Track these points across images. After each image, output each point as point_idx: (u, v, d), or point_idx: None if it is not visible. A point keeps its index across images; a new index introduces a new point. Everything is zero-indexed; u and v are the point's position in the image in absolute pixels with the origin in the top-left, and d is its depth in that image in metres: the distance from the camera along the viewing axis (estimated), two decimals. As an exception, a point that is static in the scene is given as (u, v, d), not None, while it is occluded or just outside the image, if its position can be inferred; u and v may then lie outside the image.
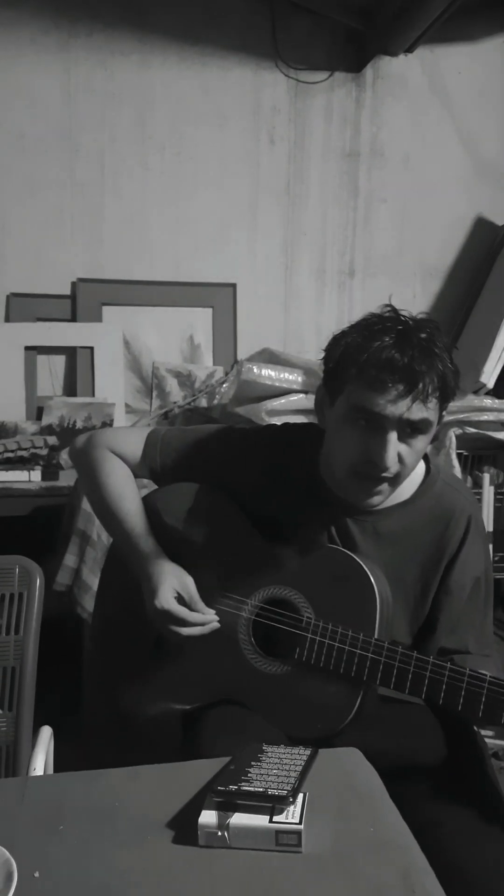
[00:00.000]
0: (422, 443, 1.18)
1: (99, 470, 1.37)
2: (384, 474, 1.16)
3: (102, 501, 1.37)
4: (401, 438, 1.15)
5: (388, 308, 1.19)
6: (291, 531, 1.29)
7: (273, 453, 1.33)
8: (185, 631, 1.24)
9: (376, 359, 1.11)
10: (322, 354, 1.23)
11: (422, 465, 1.29)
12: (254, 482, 1.32)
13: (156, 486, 1.43)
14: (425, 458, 1.30)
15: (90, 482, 1.39)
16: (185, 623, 1.23)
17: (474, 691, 1.06)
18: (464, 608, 1.27)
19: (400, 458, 1.16)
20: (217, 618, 1.26)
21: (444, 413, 1.21)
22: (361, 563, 1.19)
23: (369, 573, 1.17)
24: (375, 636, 1.15)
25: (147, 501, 1.38)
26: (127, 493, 1.36)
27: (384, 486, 1.19)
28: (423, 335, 1.14)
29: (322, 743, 1.05)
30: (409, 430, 1.15)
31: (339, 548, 1.24)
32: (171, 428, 1.44)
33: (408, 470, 1.19)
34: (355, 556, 1.20)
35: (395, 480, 1.19)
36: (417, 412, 1.13)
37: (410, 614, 1.27)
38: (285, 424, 1.42)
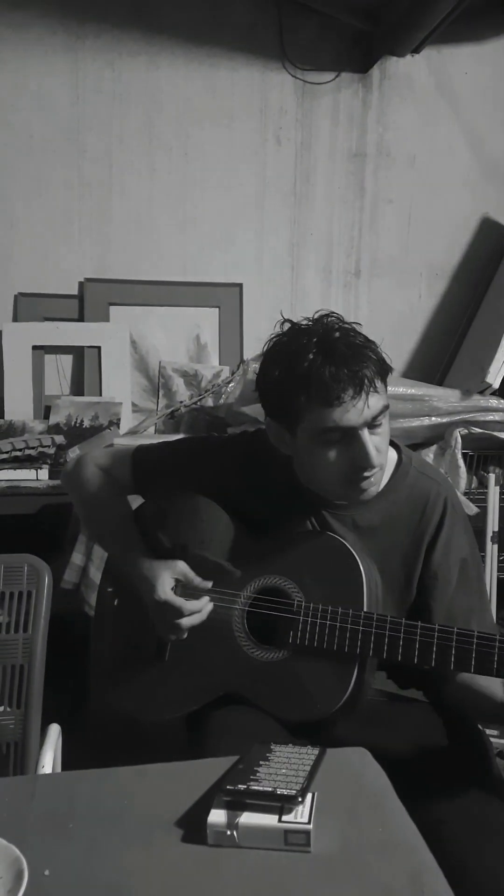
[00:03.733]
0: (386, 424, 1.22)
1: (89, 488, 1.42)
2: (374, 469, 1.20)
3: (94, 518, 1.42)
4: (371, 431, 1.19)
5: (285, 322, 1.22)
6: (275, 526, 1.32)
7: (250, 456, 1.37)
8: (185, 622, 1.26)
9: (318, 381, 1.14)
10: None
11: (393, 455, 1.32)
12: (235, 484, 1.35)
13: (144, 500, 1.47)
14: (396, 447, 1.33)
15: (82, 501, 1.44)
16: (181, 613, 1.25)
17: (464, 648, 1.10)
18: (456, 592, 1.28)
19: (376, 448, 1.19)
20: (211, 605, 1.29)
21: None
22: (343, 540, 1.22)
23: (351, 549, 1.21)
24: (364, 610, 1.17)
25: (138, 514, 1.43)
26: (116, 507, 1.40)
27: (374, 477, 1.22)
28: (337, 334, 1.17)
29: (329, 740, 1.06)
30: (374, 421, 1.18)
31: (320, 531, 1.28)
32: (154, 443, 1.49)
33: (385, 453, 1.23)
34: (336, 536, 1.24)
35: (380, 466, 1.23)
36: (374, 404, 1.16)
37: (397, 603, 1.28)
38: (259, 429, 1.45)
